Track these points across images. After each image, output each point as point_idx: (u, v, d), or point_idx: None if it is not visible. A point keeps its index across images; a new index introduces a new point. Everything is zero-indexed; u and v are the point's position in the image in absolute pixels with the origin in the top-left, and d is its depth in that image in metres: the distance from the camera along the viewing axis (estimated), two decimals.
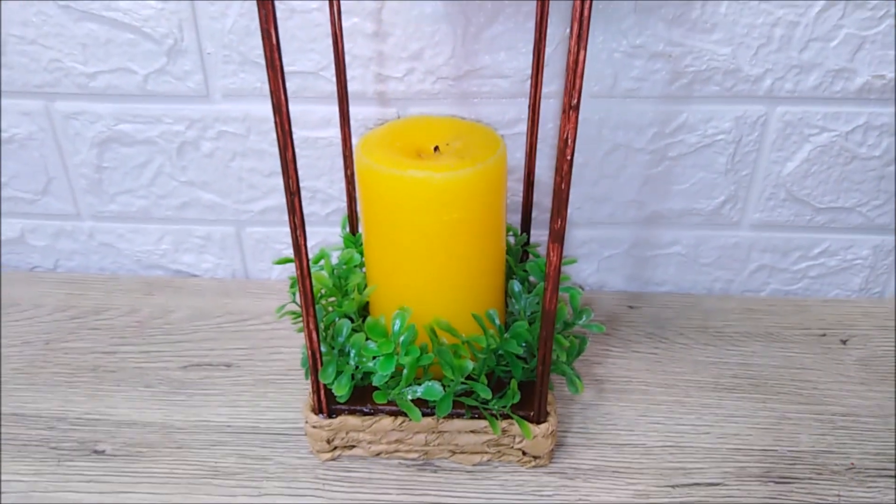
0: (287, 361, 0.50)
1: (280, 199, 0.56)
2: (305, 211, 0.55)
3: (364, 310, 0.45)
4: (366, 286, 0.44)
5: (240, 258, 0.59)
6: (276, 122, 0.31)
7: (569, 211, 0.55)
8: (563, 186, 0.32)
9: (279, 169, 0.54)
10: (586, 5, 0.28)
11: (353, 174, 0.49)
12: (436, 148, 0.40)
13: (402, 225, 0.38)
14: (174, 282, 0.59)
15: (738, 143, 0.52)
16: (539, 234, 0.56)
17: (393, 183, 0.37)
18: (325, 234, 0.58)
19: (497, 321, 0.41)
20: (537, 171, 0.53)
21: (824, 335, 0.53)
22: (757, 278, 0.58)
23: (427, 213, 0.37)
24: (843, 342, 0.53)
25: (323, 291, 0.43)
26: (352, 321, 0.42)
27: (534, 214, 0.55)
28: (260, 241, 0.58)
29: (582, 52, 0.29)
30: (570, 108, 0.30)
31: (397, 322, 0.39)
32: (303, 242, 0.34)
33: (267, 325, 0.54)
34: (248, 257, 0.59)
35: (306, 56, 0.49)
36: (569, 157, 0.31)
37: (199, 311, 0.55)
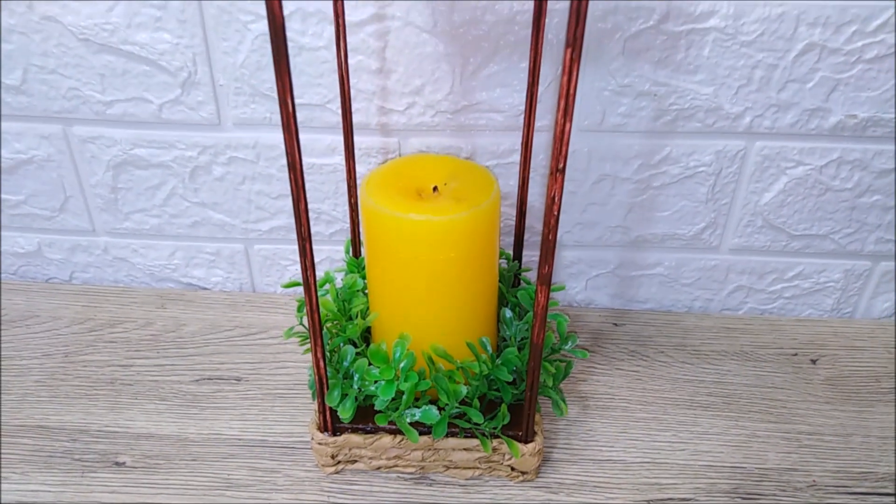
0: (293, 376, 0.53)
1: (286, 219, 0.59)
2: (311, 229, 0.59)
3: (366, 332, 0.48)
4: (368, 311, 0.47)
5: (247, 273, 0.63)
6: (290, 178, 0.34)
7: (559, 234, 0.59)
8: (550, 237, 0.35)
9: (286, 191, 0.58)
10: (572, 83, 0.31)
11: (356, 202, 0.52)
12: (435, 188, 0.43)
13: (403, 261, 0.42)
14: (185, 295, 0.62)
15: (718, 174, 0.55)
16: (529, 255, 0.60)
17: (395, 224, 0.40)
18: (328, 252, 0.61)
19: (489, 348, 0.44)
20: (529, 197, 0.56)
21: (796, 354, 0.57)
22: (735, 298, 0.62)
23: (426, 251, 0.41)
24: (813, 362, 0.56)
25: (328, 315, 0.47)
26: (355, 345, 0.45)
27: (526, 236, 0.59)
28: (267, 258, 0.62)
29: (568, 124, 0.32)
30: (557, 171, 0.33)
31: (398, 350, 0.42)
32: (312, 281, 0.37)
33: (273, 339, 0.57)
34: (255, 272, 0.63)
35: (314, 90, 0.52)
36: (555, 213, 0.35)
37: (209, 325, 0.58)
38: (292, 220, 0.59)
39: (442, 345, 0.44)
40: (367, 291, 0.48)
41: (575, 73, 0.31)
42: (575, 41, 0.30)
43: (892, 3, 0.47)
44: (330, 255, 0.61)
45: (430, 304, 0.43)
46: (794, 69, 0.50)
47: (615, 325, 0.60)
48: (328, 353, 0.45)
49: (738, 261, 0.60)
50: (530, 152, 0.49)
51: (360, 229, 0.52)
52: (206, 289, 0.64)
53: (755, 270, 0.60)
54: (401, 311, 0.44)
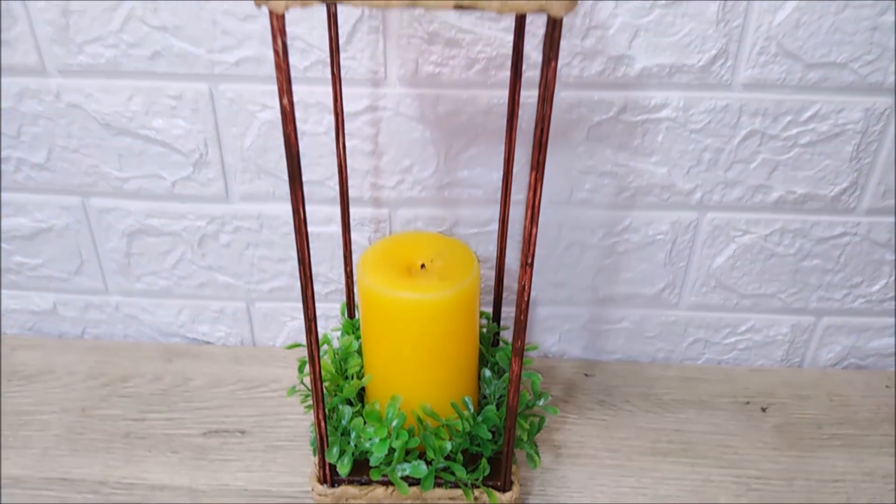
0: (293, 428, 0.58)
1: (285, 280, 0.65)
2: None
3: (361, 390, 0.54)
4: (362, 370, 0.53)
5: (248, 328, 0.68)
6: (300, 271, 0.40)
7: (533, 293, 0.65)
8: (521, 318, 0.41)
9: (286, 256, 0.63)
10: (537, 197, 0.37)
11: (351, 270, 0.57)
12: (422, 265, 0.49)
13: (395, 332, 0.47)
14: (191, 349, 0.67)
15: (674, 242, 0.62)
16: (507, 310, 0.66)
17: (388, 301, 0.46)
18: (324, 310, 0.67)
19: (471, 407, 0.50)
20: (507, 261, 0.62)
21: (748, 403, 0.63)
22: (693, 349, 0.68)
23: (415, 324, 0.46)
24: (763, 410, 0.62)
25: (327, 376, 0.52)
26: (351, 404, 0.51)
27: (504, 294, 0.65)
28: (267, 315, 0.67)
29: (534, 228, 0.38)
30: (527, 265, 0.39)
31: (390, 410, 0.48)
32: (316, 354, 0.43)
33: (274, 392, 0.62)
34: (256, 327, 0.68)
35: (314, 169, 0.58)
36: (526, 298, 0.40)
37: (214, 379, 0.63)
38: (292, 281, 0.64)
39: (429, 403, 0.49)
40: (361, 352, 0.54)
41: (539, 190, 0.37)
42: (538, 166, 0.36)
43: (819, 99, 0.54)
44: (325, 313, 0.67)
45: (418, 368, 0.49)
46: (739, 152, 0.57)
47: (586, 375, 0.66)
48: (327, 412, 0.50)
49: (695, 316, 0.66)
50: (507, 224, 0.55)
51: (355, 293, 0.57)
52: (210, 343, 0.69)
53: (711, 325, 0.66)
54: (392, 373, 0.50)
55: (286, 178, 0.58)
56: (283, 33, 0.33)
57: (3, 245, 0.64)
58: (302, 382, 0.53)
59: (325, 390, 0.52)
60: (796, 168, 0.58)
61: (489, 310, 0.60)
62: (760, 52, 0.53)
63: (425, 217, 0.61)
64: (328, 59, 0.53)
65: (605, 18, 0.51)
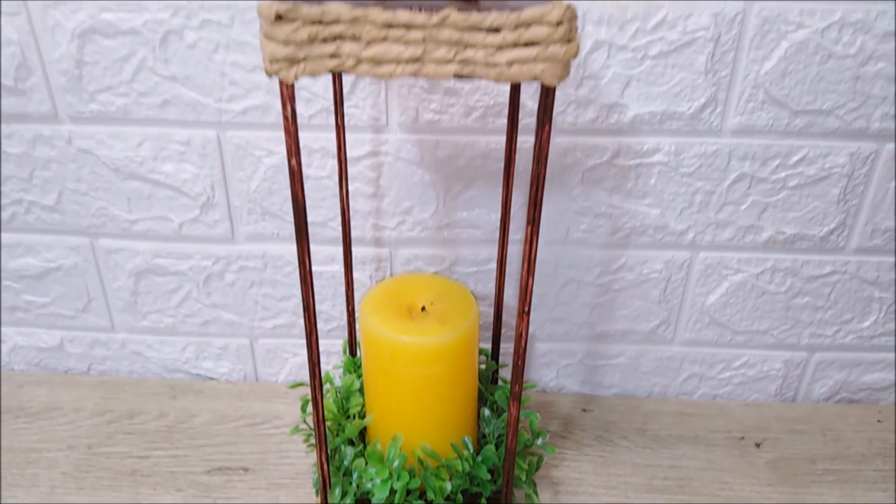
0: (294, 466, 0.59)
1: (288, 317, 0.66)
2: None
3: (363, 430, 0.55)
4: (364, 409, 0.54)
5: (251, 364, 0.69)
6: (305, 318, 0.41)
7: (532, 329, 0.66)
8: (519, 363, 0.43)
9: (289, 294, 0.65)
10: (533, 250, 0.39)
11: (353, 309, 0.59)
12: (423, 308, 0.51)
13: (396, 373, 0.49)
14: (195, 385, 0.68)
15: (668, 280, 0.63)
16: (506, 346, 0.67)
17: (390, 343, 0.48)
18: (325, 346, 0.68)
19: (470, 447, 0.51)
20: (505, 298, 0.64)
21: (742, 438, 0.64)
22: (689, 384, 0.69)
23: (416, 366, 0.48)
24: (757, 445, 0.63)
25: (329, 416, 0.53)
26: (353, 444, 0.52)
27: (503, 330, 0.66)
28: (270, 351, 0.68)
29: (531, 279, 0.40)
30: (524, 313, 0.41)
31: (391, 450, 0.49)
32: (320, 399, 0.44)
33: (276, 428, 0.63)
34: (258, 363, 0.69)
35: (317, 210, 0.60)
36: (523, 345, 0.42)
37: (218, 415, 0.64)
38: (294, 318, 0.66)
39: (429, 443, 0.50)
40: (362, 391, 0.55)
41: (535, 243, 0.38)
42: (534, 221, 0.38)
43: (806, 144, 0.56)
44: (327, 349, 0.68)
45: (418, 409, 0.50)
46: (729, 194, 0.59)
47: (584, 410, 0.67)
48: (329, 452, 0.51)
49: (690, 352, 0.67)
50: (505, 263, 0.56)
51: (357, 332, 0.59)
52: (213, 379, 0.70)
53: (706, 360, 0.68)
54: (393, 413, 0.51)
55: (290, 219, 0.60)
56: (292, 100, 0.34)
57: (12, 284, 0.65)
58: (305, 422, 0.54)
59: (327, 430, 0.53)
60: (785, 209, 0.59)
61: (488, 346, 0.61)
62: (748, 100, 0.55)
63: (425, 256, 0.62)
64: (332, 108, 0.55)
65: (598, 69, 0.53)
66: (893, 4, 0.51)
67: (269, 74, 0.33)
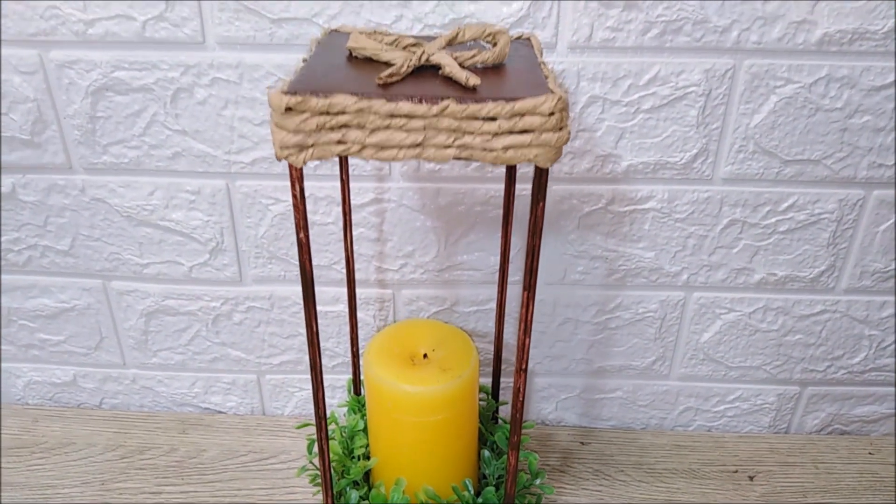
0: (301, 503, 0.61)
1: (294, 354, 0.68)
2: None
3: (368, 470, 0.57)
4: (368, 448, 0.56)
5: (258, 399, 0.71)
6: (311, 376, 0.43)
7: (531, 365, 0.68)
8: (518, 416, 0.45)
9: (295, 332, 0.67)
10: (530, 313, 0.40)
11: (357, 350, 0.61)
12: (425, 355, 0.53)
13: (399, 419, 0.51)
14: (204, 419, 0.70)
15: (663, 318, 0.65)
16: (506, 381, 0.69)
17: (393, 392, 0.50)
18: (330, 381, 0.70)
19: (471, 489, 0.53)
20: (505, 336, 0.66)
21: (736, 471, 0.66)
22: (685, 416, 0.71)
23: (419, 414, 0.50)
24: (751, 478, 0.65)
25: (335, 458, 0.55)
26: (357, 485, 0.54)
27: (503, 367, 0.68)
28: (276, 386, 0.70)
29: (527, 339, 0.41)
30: (521, 370, 0.43)
31: (395, 494, 0.51)
32: (327, 461, 0.46)
33: (283, 463, 0.65)
34: (265, 398, 0.71)
35: (322, 254, 0.62)
36: (521, 398, 0.44)
37: (226, 450, 0.66)
38: (300, 355, 0.68)
39: (431, 485, 0.52)
40: (366, 431, 0.57)
41: (531, 307, 0.40)
42: (530, 287, 0.39)
43: (795, 191, 0.58)
44: (332, 384, 0.70)
45: (421, 453, 0.52)
46: (721, 238, 0.61)
47: (582, 443, 0.69)
48: (335, 493, 0.53)
49: (685, 386, 0.69)
50: (504, 304, 0.58)
51: (360, 371, 0.61)
52: (222, 412, 0.72)
53: (701, 394, 0.70)
54: (396, 456, 0.53)
55: (296, 262, 0.62)
56: (300, 181, 0.36)
57: (27, 324, 0.67)
58: (311, 462, 0.56)
59: (332, 470, 0.55)
60: (776, 253, 0.61)
61: (489, 380, 0.63)
62: (739, 150, 0.56)
63: (427, 297, 0.64)
64: (337, 159, 0.57)
65: (593, 122, 0.55)
66: (878, 62, 0.53)
67: (280, 159, 0.35)
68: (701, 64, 0.53)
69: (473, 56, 0.40)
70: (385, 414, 0.51)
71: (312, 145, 0.35)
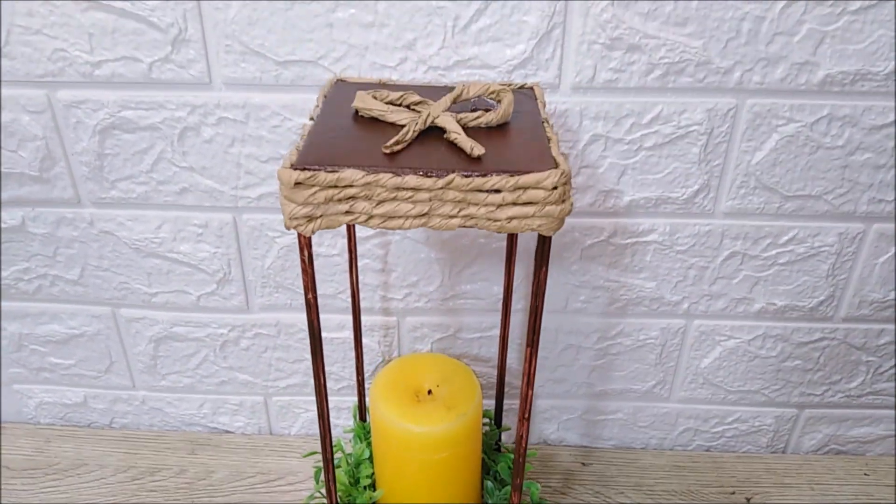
0: None
1: (300, 378, 0.69)
2: None
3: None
4: (374, 477, 0.57)
5: (265, 419, 0.72)
6: (319, 425, 0.44)
7: (535, 388, 0.69)
8: (520, 461, 0.46)
9: (301, 357, 0.68)
10: (532, 367, 0.41)
11: (363, 379, 0.62)
12: (430, 391, 0.54)
13: (405, 456, 0.52)
14: (212, 439, 0.72)
15: (664, 345, 0.66)
16: (509, 402, 0.70)
17: (399, 431, 0.51)
18: (335, 402, 0.71)
19: None
20: (508, 361, 0.67)
21: (734, 493, 0.67)
22: (684, 437, 0.72)
23: (424, 451, 0.51)
24: (748, 500, 0.67)
25: (341, 488, 0.57)
26: None
27: (506, 389, 0.69)
28: (283, 407, 0.72)
29: (530, 391, 0.43)
30: (524, 419, 0.44)
31: None
32: (333, 490, 0.47)
33: (290, 485, 0.67)
34: (272, 418, 0.72)
35: (328, 284, 0.63)
36: (523, 446, 0.45)
37: (235, 472, 0.68)
38: (306, 378, 0.69)
39: None
40: (372, 459, 0.58)
41: (534, 362, 0.41)
42: (533, 343, 0.40)
43: (795, 225, 0.59)
44: (337, 405, 0.71)
45: (426, 486, 0.53)
46: (722, 269, 0.61)
47: (583, 464, 0.70)
48: None
49: (685, 408, 0.70)
50: (507, 333, 0.59)
51: (366, 397, 0.62)
52: (230, 432, 0.73)
53: (700, 416, 0.71)
54: (402, 488, 0.54)
55: (302, 291, 0.63)
56: (309, 247, 0.37)
57: (38, 348, 0.68)
58: (318, 491, 0.57)
59: (339, 500, 0.56)
60: (776, 283, 0.62)
61: (492, 402, 0.64)
62: (740, 186, 0.57)
63: (431, 324, 0.65)
64: None
65: (595, 159, 0.56)
66: (879, 101, 0.53)
67: (289, 228, 0.36)
68: (703, 103, 0.53)
69: (478, 118, 0.40)
70: (391, 450, 0.53)
71: (321, 216, 0.36)
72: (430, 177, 0.35)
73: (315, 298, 0.39)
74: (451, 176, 0.35)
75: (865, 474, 0.70)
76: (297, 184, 0.34)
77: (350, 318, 0.65)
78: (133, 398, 0.72)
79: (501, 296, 0.63)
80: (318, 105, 0.43)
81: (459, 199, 0.35)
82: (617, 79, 0.52)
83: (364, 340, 0.66)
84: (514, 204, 0.35)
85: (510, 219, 0.36)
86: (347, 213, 0.36)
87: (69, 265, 0.63)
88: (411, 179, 0.35)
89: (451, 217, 0.36)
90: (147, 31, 0.51)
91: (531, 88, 0.47)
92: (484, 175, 0.35)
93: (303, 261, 0.38)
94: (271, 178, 0.57)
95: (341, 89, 0.46)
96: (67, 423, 0.74)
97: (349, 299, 0.63)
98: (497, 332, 0.66)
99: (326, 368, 0.68)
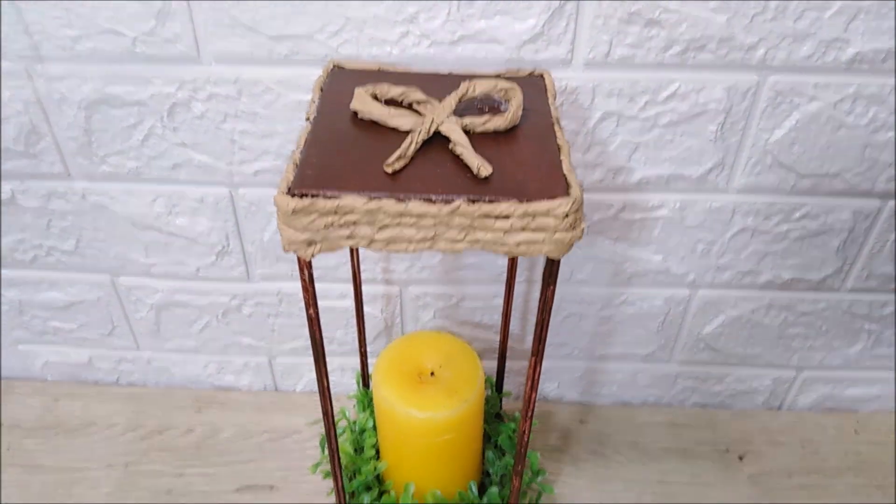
0: (315, 484, 0.65)
1: (304, 341, 0.70)
2: (326, 349, 0.69)
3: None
4: (377, 445, 0.59)
5: (271, 377, 0.74)
6: (328, 442, 0.45)
7: None
8: (519, 469, 0.46)
9: (304, 322, 0.68)
10: (537, 373, 0.41)
11: (365, 349, 0.62)
12: (432, 373, 0.54)
13: (408, 439, 0.53)
14: (218, 396, 0.73)
15: (667, 313, 0.66)
16: (510, 363, 0.71)
17: (401, 415, 0.51)
18: (339, 363, 0.72)
19: (475, 490, 0.56)
20: (511, 328, 0.67)
21: (727, 451, 0.69)
22: (682, 394, 0.74)
23: (426, 436, 0.52)
24: (740, 458, 0.69)
25: (346, 458, 0.58)
26: (369, 488, 0.57)
27: (508, 353, 0.70)
28: (287, 367, 0.72)
29: (534, 394, 0.43)
30: (527, 417, 0.44)
31: (405, 499, 0.54)
32: (341, 493, 0.49)
33: (297, 443, 0.69)
34: (277, 377, 0.73)
35: (328, 256, 0.62)
36: (525, 441, 0.46)
37: (242, 430, 0.70)
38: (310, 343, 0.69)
39: (439, 489, 0.55)
40: (375, 428, 0.59)
41: (538, 369, 0.41)
42: (538, 353, 0.40)
43: (810, 201, 0.57)
44: (341, 365, 0.72)
45: (428, 463, 0.55)
46: (731, 244, 0.60)
47: (581, 422, 0.72)
48: (347, 493, 0.56)
49: (684, 369, 0.71)
50: (511, 303, 0.58)
51: (368, 365, 0.62)
52: (236, 389, 0.75)
53: (699, 376, 0.72)
54: (404, 464, 0.56)
55: None
56: (309, 268, 0.36)
57: (39, 314, 0.68)
58: (324, 459, 0.59)
59: (342, 469, 0.58)
60: (785, 257, 0.61)
61: (493, 365, 0.64)
62: (756, 164, 0.55)
63: (433, 293, 0.65)
64: None
65: (606, 136, 0.53)
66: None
67: (287, 252, 0.35)
68: (723, 81, 0.50)
69: (485, 123, 0.38)
70: (393, 432, 0.54)
71: (321, 241, 0.34)
72: (435, 203, 0.33)
73: (317, 314, 0.38)
74: (457, 203, 0.33)
75: (856, 432, 0.72)
76: (296, 211, 0.33)
77: (351, 287, 0.64)
78: (138, 358, 0.72)
79: (505, 267, 0.62)
80: (314, 101, 0.41)
81: (466, 225, 0.34)
82: (633, 55, 0.49)
83: (366, 309, 0.66)
84: (524, 230, 0.34)
85: (519, 244, 0.34)
86: (349, 237, 0.34)
87: (63, 237, 0.61)
88: (415, 206, 0.33)
89: (457, 241, 0.34)
90: (128, 4, 0.47)
91: (541, 76, 0.44)
92: (492, 201, 0.33)
93: (303, 280, 0.36)
94: (266, 155, 0.55)
95: (338, 78, 0.43)
96: (74, 380, 0.75)
97: (349, 272, 0.62)
98: (500, 301, 0.65)
99: (329, 335, 0.69)
